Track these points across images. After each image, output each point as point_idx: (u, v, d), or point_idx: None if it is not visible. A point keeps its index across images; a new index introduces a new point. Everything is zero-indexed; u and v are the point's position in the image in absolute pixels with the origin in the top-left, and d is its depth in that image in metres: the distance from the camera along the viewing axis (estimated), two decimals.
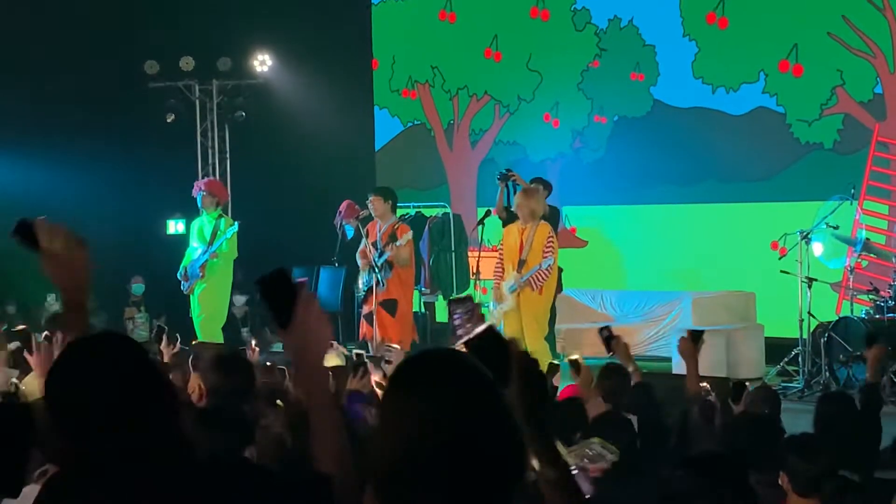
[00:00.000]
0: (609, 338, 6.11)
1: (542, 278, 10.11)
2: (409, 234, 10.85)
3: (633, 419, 5.45)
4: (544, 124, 14.35)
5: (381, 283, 10.74)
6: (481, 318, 3.03)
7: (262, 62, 14.84)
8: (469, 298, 3.08)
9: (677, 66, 13.30)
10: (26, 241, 2.85)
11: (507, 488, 1.95)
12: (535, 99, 14.44)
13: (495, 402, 1.98)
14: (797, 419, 6.73)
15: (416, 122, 15.56)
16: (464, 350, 2.23)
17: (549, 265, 10.14)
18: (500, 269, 10.42)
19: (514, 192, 11.53)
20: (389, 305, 10.76)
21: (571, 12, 14.11)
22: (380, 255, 10.72)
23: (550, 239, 10.20)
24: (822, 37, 12.23)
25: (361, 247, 11.15)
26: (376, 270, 10.71)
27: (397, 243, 10.69)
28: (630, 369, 5.97)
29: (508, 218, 11.51)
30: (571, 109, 14.13)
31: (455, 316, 3.02)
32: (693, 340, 5.66)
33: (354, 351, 7.58)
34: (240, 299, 14.68)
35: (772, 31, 12.56)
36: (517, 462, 1.97)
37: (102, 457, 2.29)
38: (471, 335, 2.23)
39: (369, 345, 10.86)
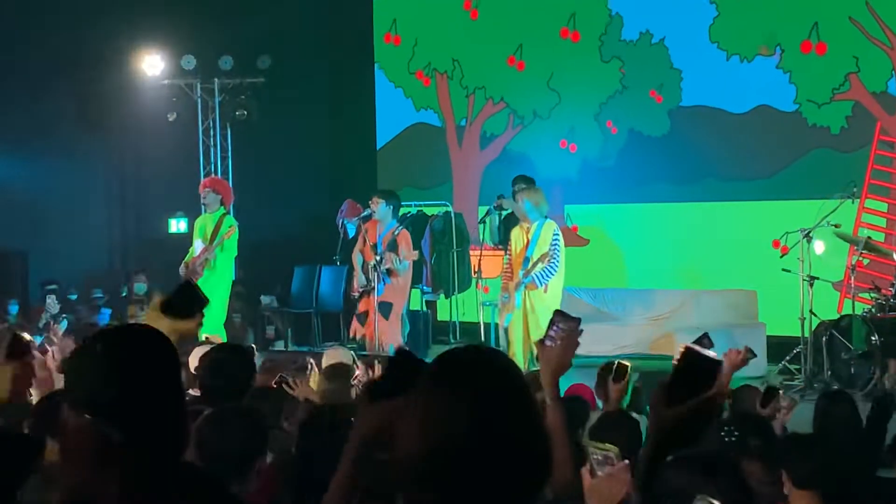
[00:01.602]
0: (615, 374, 5.68)
1: (548, 276, 10.12)
2: (414, 256, 10.86)
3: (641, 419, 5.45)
4: (556, 145, 14.20)
5: (380, 287, 10.72)
6: (574, 345, 3.03)
7: (264, 61, 14.83)
8: (577, 321, 3.07)
9: (698, 81, 13.22)
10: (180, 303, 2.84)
11: (532, 491, 1.96)
12: (550, 118, 14.30)
13: (528, 404, 1.99)
14: (799, 417, 6.73)
15: (426, 110, 15.38)
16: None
17: (556, 263, 10.15)
18: (509, 270, 10.45)
19: (501, 218, 11.72)
20: (384, 308, 10.78)
21: (599, 42, 13.87)
22: (380, 261, 10.71)
23: (556, 237, 10.22)
24: (843, 20, 12.18)
25: (358, 246, 11.11)
26: (375, 273, 10.69)
27: (399, 259, 10.65)
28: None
29: (500, 237, 11.62)
30: (585, 138, 13.99)
31: (553, 328, 3.03)
32: (745, 356, 5.59)
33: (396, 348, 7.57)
34: (265, 299, 14.73)
35: (794, 7, 12.48)
36: (543, 466, 1.98)
37: (106, 447, 2.30)
38: (698, 349, 2.26)
39: (365, 343, 10.89)
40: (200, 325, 2.92)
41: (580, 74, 14.01)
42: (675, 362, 2.27)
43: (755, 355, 5.69)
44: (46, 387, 5.24)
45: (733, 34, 12.92)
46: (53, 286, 13.85)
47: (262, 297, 14.73)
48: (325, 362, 6.68)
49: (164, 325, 2.81)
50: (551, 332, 3.02)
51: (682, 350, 2.25)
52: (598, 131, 13.92)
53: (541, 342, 3.04)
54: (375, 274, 10.70)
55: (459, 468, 1.91)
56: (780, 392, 6.04)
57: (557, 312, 3.10)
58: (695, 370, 2.25)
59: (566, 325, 3.01)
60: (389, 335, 10.74)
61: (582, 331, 3.04)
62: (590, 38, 14.00)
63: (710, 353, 2.27)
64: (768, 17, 12.64)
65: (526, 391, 2.00)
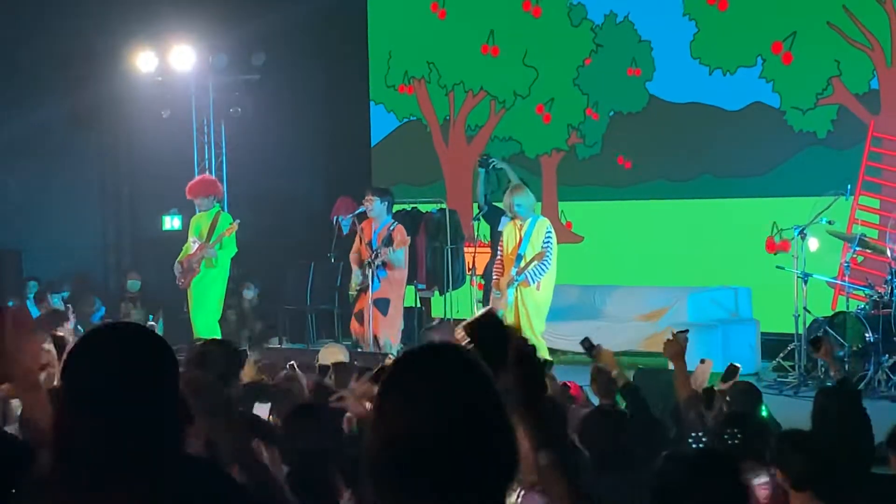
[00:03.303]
0: (590, 348, 6.12)
1: (540, 273, 10.13)
2: (405, 246, 10.83)
3: None
4: (540, 120, 14.35)
5: (376, 282, 10.71)
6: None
7: (258, 58, 14.80)
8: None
9: (673, 60, 13.29)
10: None
11: (499, 486, 1.96)
12: (530, 95, 14.44)
13: (492, 399, 1.97)
14: (793, 414, 6.76)
15: (411, 118, 15.55)
16: (465, 338, 2.25)
17: (548, 261, 10.16)
18: (500, 266, 10.45)
19: (496, 178, 11.64)
20: (381, 304, 10.76)
21: (567, 8, 14.12)
22: (375, 256, 10.69)
23: (549, 234, 10.22)
24: (821, 26, 12.23)
25: (354, 246, 11.09)
26: (371, 269, 10.68)
27: (391, 250, 10.64)
28: (614, 374, 5.96)
29: (489, 211, 11.57)
30: (567, 105, 14.14)
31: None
32: (681, 341, 5.61)
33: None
34: (248, 293, 14.65)
35: (772, 16, 12.55)
36: (510, 460, 1.98)
37: (104, 445, 2.30)
38: (471, 319, 2.26)
39: (360, 343, 10.87)
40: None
41: (553, 45, 14.16)
42: (470, 346, 2.26)
43: (686, 331, 5.77)
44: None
45: (714, 49, 12.98)
46: (33, 281, 13.84)
47: (245, 291, 14.55)
48: (321, 360, 6.69)
49: None
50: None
51: (462, 333, 2.26)
52: (579, 94, 14.02)
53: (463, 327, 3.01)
54: (371, 271, 10.68)
55: (423, 464, 1.90)
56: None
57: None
58: (487, 333, 2.25)
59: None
60: (388, 331, 10.70)
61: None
62: (558, 9, 14.16)
63: (479, 312, 2.29)
64: (748, 28, 12.68)
65: (491, 385, 1.98)
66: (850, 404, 5.32)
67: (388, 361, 6.37)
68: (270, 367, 6.83)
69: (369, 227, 10.95)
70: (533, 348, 2.29)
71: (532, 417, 2.21)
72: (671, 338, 5.62)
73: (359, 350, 10.49)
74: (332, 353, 6.97)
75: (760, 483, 4.09)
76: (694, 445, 4.65)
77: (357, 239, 11.08)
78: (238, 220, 11.57)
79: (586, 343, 6.16)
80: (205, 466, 2.50)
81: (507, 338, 2.23)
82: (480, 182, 11.71)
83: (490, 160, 11.77)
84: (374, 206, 10.85)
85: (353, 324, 11.07)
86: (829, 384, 9.56)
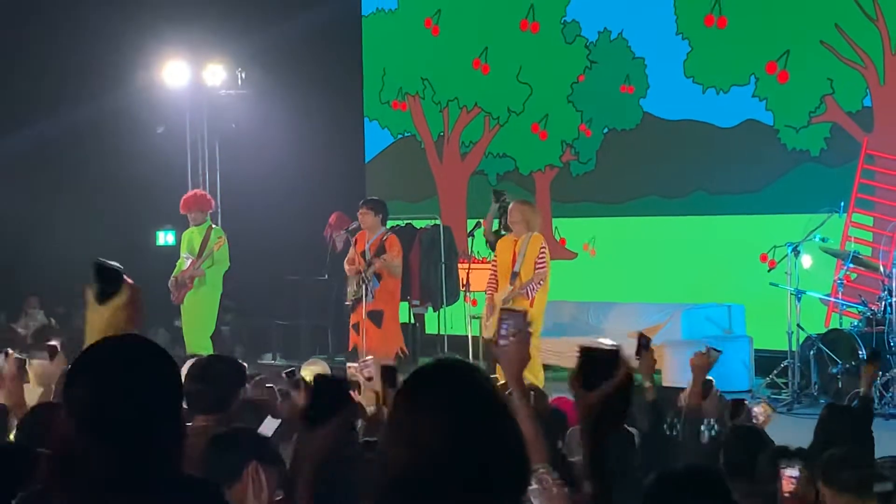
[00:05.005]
0: (646, 346, 5.66)
1: (534, 289, 10.14)
2: (399, 257, 10.83)
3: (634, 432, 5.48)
4: (534, 136, 14.38)
5: (370, 294, 10.73)
6: (527, 337, 3.07)
7: (253, 73, 14.83)
8: (523, 314, 3.13)
9: (667, 77, 13.32)
10: (104, 285, 2.93)
11: (511, 497, 1.96)
12: (524, 111, 14.47)
13: (504, 416, 1.99)
14: (786, 432, 6.74)
15: (406, 134, 15.57)
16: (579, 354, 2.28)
17: (542, 276, 10.16)
18: (494, 282, 10.43)
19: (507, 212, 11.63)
20: (375, 316, 10.77)
21: (561, 24, 14.15)
22: (368, 266, 10.72)
23: (543, 250, 10.22)
24: (814, 44, 12.26)
25: (349, 255, 11.14)
26: (365, 281, 10.70)
27: (384, 257, 10.66)
28: (646, 385, 5.83)
29: (496, 241, 11.56)
30: (561, 121, 14.17)
31: (504, 325, 3.09)
32: (710, 357, 5.62)
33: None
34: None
35: (765, 35, 12.57)
36: (521, 477, 1.98)
37: (104, 460, 2.29)
38: (594, 346, 2.33)
39: (359, 354, 10.86)
40: (131, 299, 2.94)
41: (547, 61, 14.20)
42: (578, 358, 2.35)
43: (720, 352, 5.76)
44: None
45: (707, 68, 13.01)
46: (34, 297, 13.83)
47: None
48: (304, 374, 6.65)
49: (106, 313, 2.86)
50: (502, 331, 3.07)
51: (579, 351, 2.35)
52: (573, 111, 14.04)
53: (493, 342, 3.09)
54: (364, 283, 10.69)
55: (436, 483, 1.90)
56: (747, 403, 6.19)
57: (503, 311, 3.15)
58: (596, 362, 2.34)
59: (514, 320, 3.07)
60: (384, 343, 10.68)
61: (530, 322, 3.11)
62: (552, 25, 14.18)
63: (606, 342, 2.37)
64: (741, 47, 12.71)
65: (498, 401, 2.00)
66: (857, 423, 5.33)
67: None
68: (263, 383, 6.81)
69: (363, 238, 11.01)
70: (631, 382, 2.32)
71: (594, 448, 2.23)
72: (703, 351, 5.63)
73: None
74: (315, 367, 6.95)
75: (790, 475, 4.09)
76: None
77: (352, 249, 11.11)
78: (224, 234, 11.60)
79: (643, 340, 5.63)
80: (203, 486, 2.50)
81: (612, 370, 2.26)
82: (494, 214, 11.74)
83: (503, 196, 11.76)
84: (369, 218, 10.93)
85: (352, 335, 11.09)
86: (822, 401, 9.58)
